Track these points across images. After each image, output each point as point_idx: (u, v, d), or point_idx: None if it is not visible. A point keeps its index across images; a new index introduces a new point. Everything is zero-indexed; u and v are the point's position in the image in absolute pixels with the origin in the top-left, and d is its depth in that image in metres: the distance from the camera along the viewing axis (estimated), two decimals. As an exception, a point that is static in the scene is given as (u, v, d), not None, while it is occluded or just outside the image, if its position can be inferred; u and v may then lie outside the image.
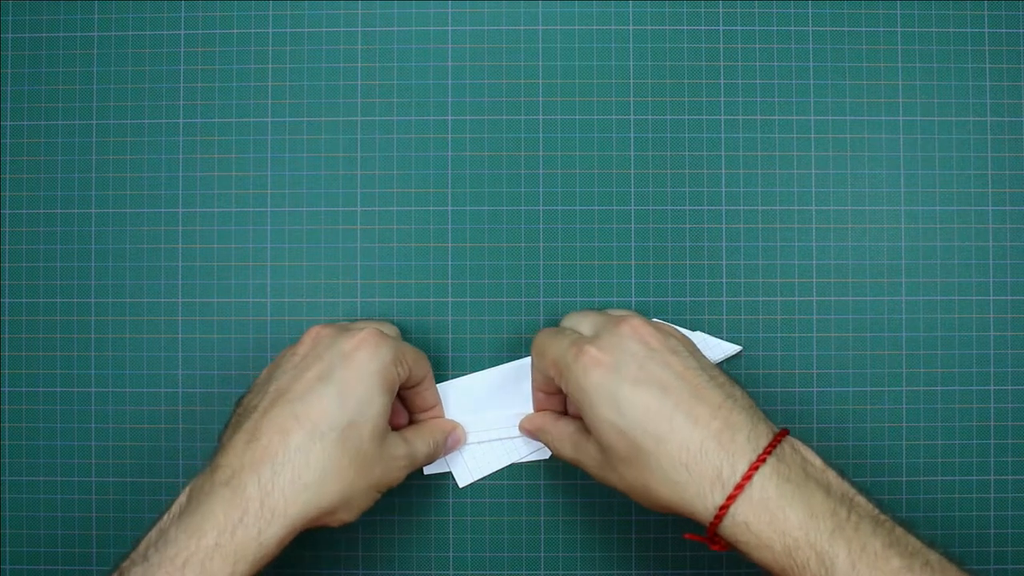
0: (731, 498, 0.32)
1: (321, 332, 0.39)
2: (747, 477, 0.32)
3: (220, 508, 0.33)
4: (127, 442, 0.44)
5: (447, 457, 0.43)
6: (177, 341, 0.44)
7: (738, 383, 0.37)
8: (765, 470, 0.32)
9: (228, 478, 0.34)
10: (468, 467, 0.43)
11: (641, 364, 0.35)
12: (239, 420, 0.36)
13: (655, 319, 0.43)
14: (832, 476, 0.34)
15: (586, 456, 0.38)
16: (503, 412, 0.43)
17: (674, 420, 0.34)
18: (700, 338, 0.43)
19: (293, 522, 0.34)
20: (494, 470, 0.44)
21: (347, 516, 0.36)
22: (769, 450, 0.33)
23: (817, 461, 0.34)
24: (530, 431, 0.43)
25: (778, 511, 0.32)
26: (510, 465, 0.44)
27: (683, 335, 0.39)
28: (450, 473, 0.44)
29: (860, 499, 0.33)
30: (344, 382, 0.36)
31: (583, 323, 0.40)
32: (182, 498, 0.35)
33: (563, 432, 0.40)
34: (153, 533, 0.34)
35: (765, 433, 0.34)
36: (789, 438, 0.35)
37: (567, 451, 0.40)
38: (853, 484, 0.34)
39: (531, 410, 0.43)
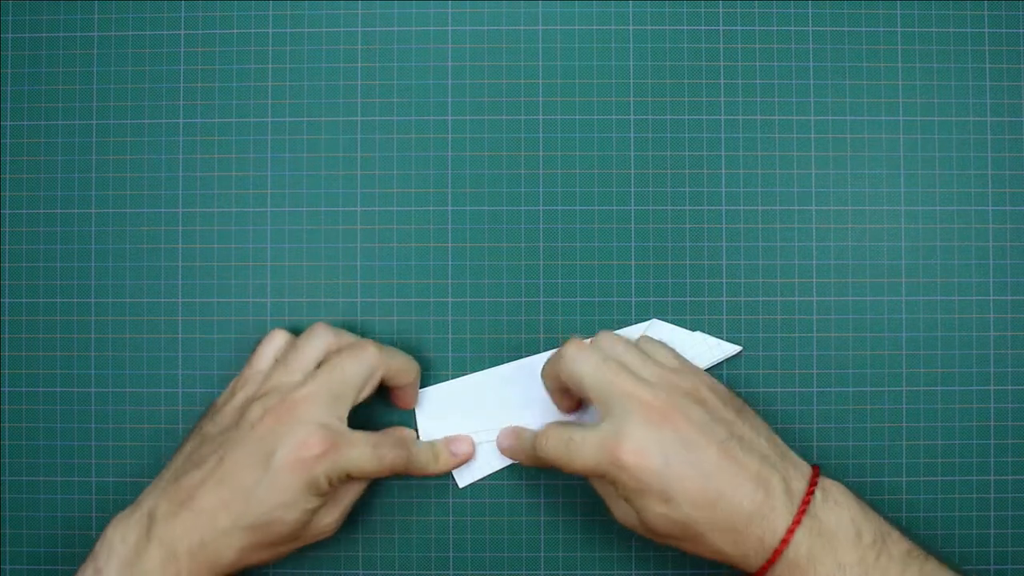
0: (769, 563, 0.35)
1: (254, 402, 0.38)
2: (784, 542, 0.35)
3: (157, 569, 0.36)
4: (127, 442, 0.44)
5: None
6: (177, 341, 0.44)
7: (761, 420, 0.39)
8: (799, 531, 0.35)
9: (161, 541, 0.36)
10: (468, 467, 0.43)
11: (685, 457, 0.36)
12: (184, 466, 0.38)
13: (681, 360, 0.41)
14: (864, 518, 0.36)
15: (613, 506, 0.39)
16: (505, 412, 0.43)
17: (719, 505, 0.35)
18: (700, 338, 0.43)
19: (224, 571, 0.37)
20: (495, 470, 0.44)
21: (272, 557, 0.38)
22: (803, 509, 0.35)
23: (849, 504, 0.36)
24: (536, 459, 0.40)
25: (809, 567, 0.35)
26: (510, 465, 0.44)
27: (708, 380, 0.39)
28: (450, 476, 0.44)
29: (894, 535, 0.36)
30: (267, 488, 0.36)
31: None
32: (115, 540, 0.37)
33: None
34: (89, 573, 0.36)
35: (798, 488, 0.36)
36: (821, 482, 0.36)
37: (592, 453, 0.38)
38: (887, 520, 0.36)
39: (533, 411, 0.43)
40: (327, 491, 0.37)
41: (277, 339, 0.41)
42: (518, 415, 0.43)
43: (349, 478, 0.38)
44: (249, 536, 0.36)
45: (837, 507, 0.36)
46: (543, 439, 0.38)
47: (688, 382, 0.38)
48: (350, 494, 0.39)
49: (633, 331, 0.43)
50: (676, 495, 0.35)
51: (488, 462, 0.44)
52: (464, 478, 0.44)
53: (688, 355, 0.43)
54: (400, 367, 0.41)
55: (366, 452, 0.38)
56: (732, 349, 0.43)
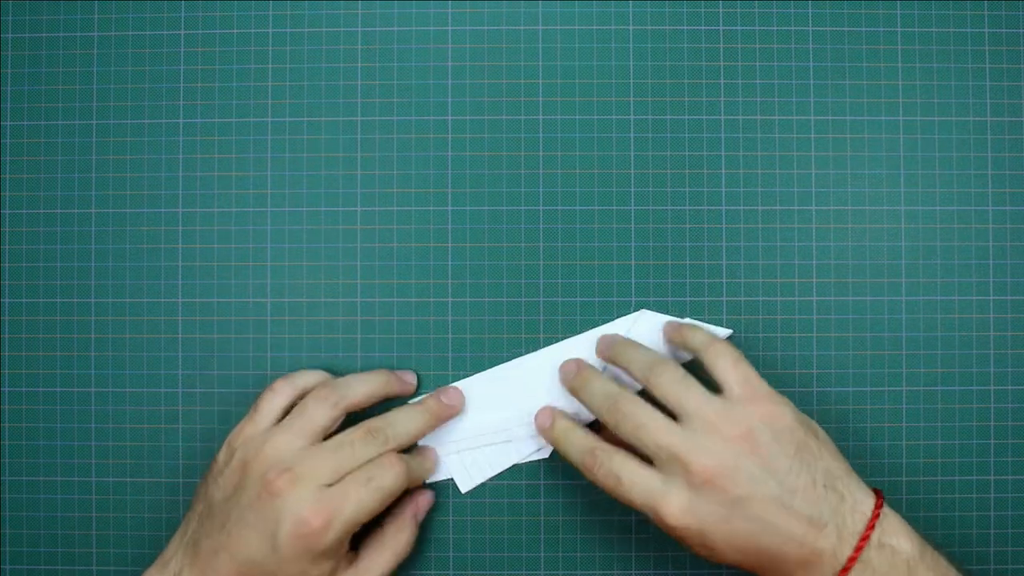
0: None
1: (268, 480, 0.38)
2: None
3: None
4: (127, 442, 0.44)
5: (447, 463, 0.43)
6: (177, 341, 0.44)
7: (825, 449, 0.37)
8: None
9: None
10: (469, 472, 0.43)
11: (728, 517, 0.35)
12: (199, 531, 0.38)
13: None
14: (921, 562, 0.35)
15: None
16: (504, 414, 0.43)
17: (763, 556, 0.35)
18: (689, 324, 0.43)
19: None
20: (496, 472, 0.44)
21: None
22: (855, 556, 0.34)
23: (906, 547, 0.35)
24: (565, 456, 0.40)
25: None
26: (510, 466, 0.44)
27: (768, 413, 0.37)
28: (451, 480, 0.44)
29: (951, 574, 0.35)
30: (277, 562, 0.37)
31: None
32: None
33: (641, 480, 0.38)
34: None
35: (853, 531, 0.35)
36: (880, 522, 0.35)
37: (639, 501, 0.37)
38: (949, 559, 0.36)
39: (535, 408, 0.43)
40: (340, 549, 0.38)
41: (279, 395, 0.40)
42: (519, 415, 0.43)
43: (361, 524, 0.38)
44: None
45: (893, 554, 0.35)
46: (592, 464, 0.38)
47: (743, 423, 0.36)
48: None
49: (623, 323, 0.43)
50: (719, 546, 0.36)
51: (489, 464, 0.43)
52: (465, 483, 0.43)
53: None
54: (420, 475, 0.41)
55: (364, 497, 0.37)
56: (723, 333, 0.43)
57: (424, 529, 0.44)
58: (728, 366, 0.38)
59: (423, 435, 0.42)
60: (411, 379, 0.43)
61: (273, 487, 0.37)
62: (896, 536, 0.35)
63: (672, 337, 0.41)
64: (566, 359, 0.43)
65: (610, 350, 0.41)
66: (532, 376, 0.43)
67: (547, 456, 0.43)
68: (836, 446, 0.38)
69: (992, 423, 0.44)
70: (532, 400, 0.43)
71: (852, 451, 0.44)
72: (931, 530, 0.43)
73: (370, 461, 0.39)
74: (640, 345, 0.41)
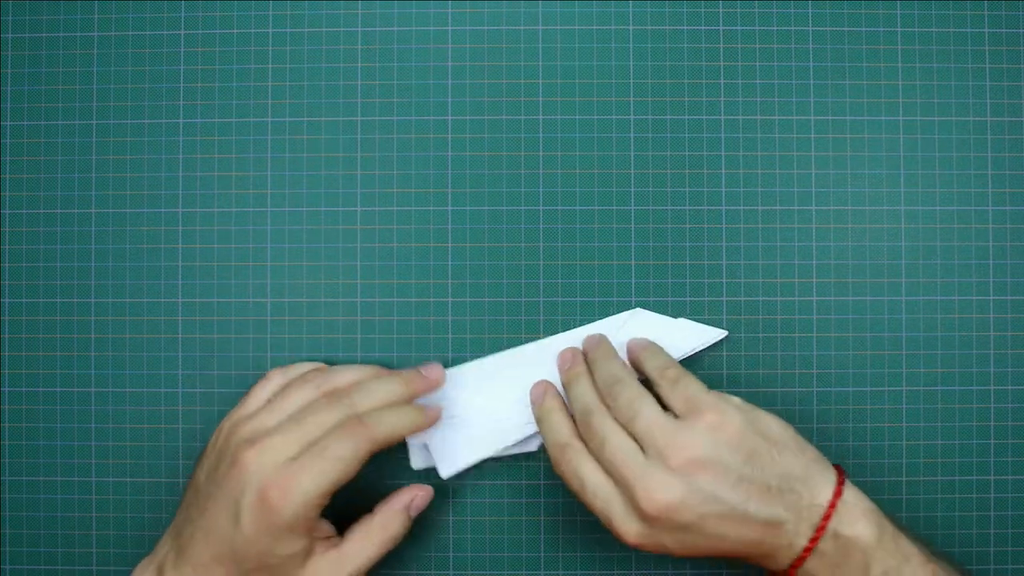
0: (796, 565, 0.36)
1: (234, 446, 0.37)
2: (801, 559, 0.36)
3: None
4: (127, 442, 0.44)
5: (431, 448, 0.42)
6: (177, 341, 0.44)
7: (777, 438, 0.37)
8: (819, 546, 0.36)
9: None
10: (452, 456, 0.42)
11: (683, 539, 0.36)
12: (183, 517, 0.38)
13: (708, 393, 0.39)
14: (879, 547, 0.35)
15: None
16: (494, 400, 0.43)
17: (730, 552, 0.36)
18: (685, 324, 0.43)
19: None
20: (478, 458, 0.42)
21: None
22: (805, 556, 0.36)
23: (863, 532, 0.35)
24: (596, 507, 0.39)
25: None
26: (504, 462, 0.44)
27: (712, 422, 0.37)
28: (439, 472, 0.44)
29: (913, 562, 0.36)
30: (244, 539, 0.36)
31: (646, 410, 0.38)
32: None
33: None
34: None
35: (806, 532, 0.36)
36: (838, 513, 0.36)
37: (598, 511, 0.39)
38: (913, 536, 0.36)
39: (525, 398, 0.43)
40: (306, 526, 0.36)
41: (271, 383, 0.40)
42: (508, 405, 0.43)
43: (333, 495, 0.37)
44: None
45: (848, 546, 0.35)
46: (561, 458, 0.38)
47: (690, 447, 0.36)
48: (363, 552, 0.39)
49: (615, 321, 0.43)
50: (678, 555, 0.37)
51: (473, 450, 0.42)
52: (446, 468, 0.42)
53: (671, 341, 0.43)
54: (391, 433, 0.39)
55: (324, 468, 0.36)
56: (718, 334, 0.43)
57: (424, 529, 0.44)
58: (669, 391, 0.38)
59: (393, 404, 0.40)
60: (436, 374, 0.41)
61: (239, 460, 0.36)
62: (854, 524, 0.35)
63: (631, 359, 0.42)
64: (564, 348, 0.43)
65: (588, 352, 0.42)
66: (526, 365, 0.43)
67: (535, 449, 0.43)
68: (794, 433, 0.37)
69: (992, 423, 0.44)
70: (523, 389, 0.43)
71: (852, 451, 0.44)
72: (931, 530, 0.44)
73: (326, 433, 0.37)
74: (611, 355, 0.41)
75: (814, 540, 0.35)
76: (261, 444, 0.36)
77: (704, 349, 0.44)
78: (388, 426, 0.38)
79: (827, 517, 0.35)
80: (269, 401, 0.39)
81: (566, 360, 0.42)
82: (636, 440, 0.37)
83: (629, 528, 0.36)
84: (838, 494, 0.36)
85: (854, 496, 0.36)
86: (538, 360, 0.43)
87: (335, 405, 0.38)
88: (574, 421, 0.40)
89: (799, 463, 0.36)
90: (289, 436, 0.37)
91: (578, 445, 0.38)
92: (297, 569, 0.37)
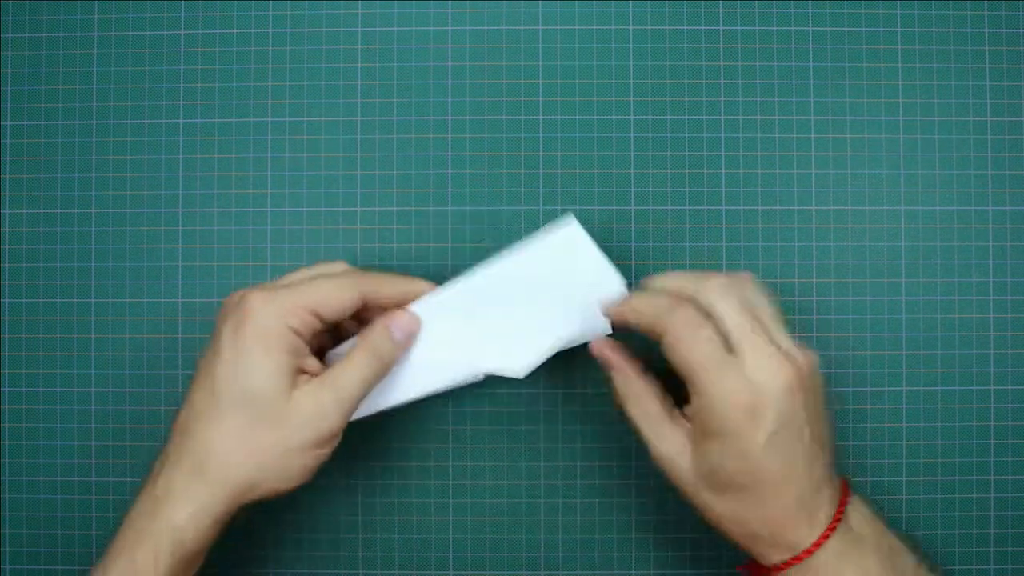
0: (787, 564, 0.35)
1: (224, 306, 0.38)
2: (807, 552, 0.35)
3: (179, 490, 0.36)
4: (127, 442, 0.44)
5: (378, 392, 0.39)
6: (177, 341, 0.44)
7: (830, 426, 0.37)
8: (829, 542, 0.35)
9: (168, 462, 0.36)
10: (404, 390, 0.40)
11: (771, 437, 0.34)
12: (174, 429, 0.37)
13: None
14: (877, 551, 0.36)
15: (659, 438, 0.37)
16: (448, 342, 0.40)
17: (781, 492, 0.35)
18: (603, 276, 0.39)
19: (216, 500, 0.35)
20: (427, 392, 0.40)
21: (280, 486, 0.36)
22: (833, 526, 0.35)
23: (867, 531, 0.36)
24: (606, 358, 0.38)
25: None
26: (505, 462, 0.44)
27: (810, 364, 0.36)
28: (447, 473, 0.44)
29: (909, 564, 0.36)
30: (226, 363, 0.36)
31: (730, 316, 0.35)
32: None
33: (643, 392, 0.38)
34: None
35: (823, 519, 0.35)
36: (848, 513, 0.36)
37: (636, 414, 0.37)
38: (909, 544, 0.37)
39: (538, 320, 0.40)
40: (290, 343, 0.36)
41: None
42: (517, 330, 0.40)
43: (320, 320, 0.36)
44: (242, 425, 0.35)
45: (863, 519, 0.36)
46: (677, 303, 0.36)
47: (791, 371, 0.34)
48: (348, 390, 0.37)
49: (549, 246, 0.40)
50: (729, 468, 0.34)
51: (422, 383, 0.40)
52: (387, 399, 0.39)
53: (564, 291, 0.39)
54: (374, 286, 0.38)
55: (306, 286, 0.36)
56: (602, 326, 0.39)
57: (424, 529, 0.44)
58: (779, 332, 0.36)
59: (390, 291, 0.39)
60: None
61: (229, 304, 0.37)
62: (860, 522, 0.36)
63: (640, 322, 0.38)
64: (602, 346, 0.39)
65: (706, 288, 0.37)
66: (480, 303, 0.40)
67: (480, 378, 0.40)
68: None
69: (992, 423, 0.44)
70: (477, 326, 0.40)
71: (852, 451, 0.44)
72: (931, 530, 0.44)
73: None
74: (684, 275, 0.38)
75: (835, 520, 0.35)
76: (250, 289, 0.37)
77: None
78: (378, 282, 0.38)
79: (843, 504, 0.36)
80: None
81: (604, 347, 0.39)
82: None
83: (732, 376, 0.34)
84: (846, 491, 0.37)
85: (859, 497, 0.37)
86: (491, 295, 0.39)
87: (323, 264, 0.40)
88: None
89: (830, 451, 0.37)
90: (278, 283, 0.38)
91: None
92: (282, 402, 0.35)
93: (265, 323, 0.36)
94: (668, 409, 0.37)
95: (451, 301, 0.39)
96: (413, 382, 0.40)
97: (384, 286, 0.39)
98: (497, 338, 0.40)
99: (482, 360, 0.40)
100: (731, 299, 0.36)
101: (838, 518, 0.35)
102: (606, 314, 0.39)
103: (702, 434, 0.35)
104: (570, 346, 0.40)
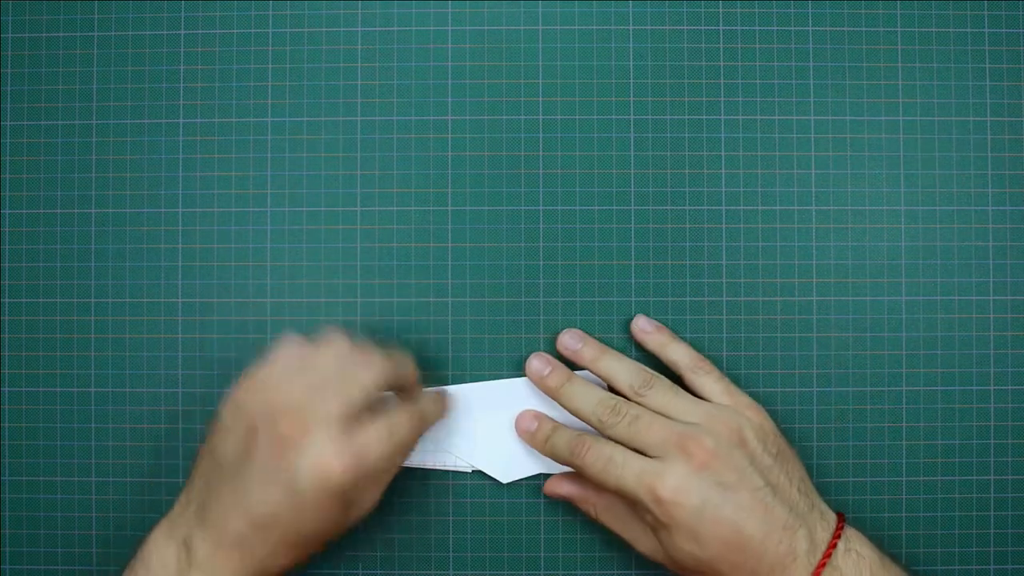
0: None
1: (262, 427, 0.36)
2: None
3: None
4: (127, 442, 0.44)
5: (477, 455, 0.43)
6: (177, 341, 0.44)
7: (797, 463, 0.39)
8: None
9: (202, 569, 0.36)
10: (503, 466, 0.44)
11: (720, 501, 0.36)
12: (208, 491, 0.37)
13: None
14: (882, 567, 0.37)
15: (638, 540, 0.40)
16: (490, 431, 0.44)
17: (746, 551, 0.36)
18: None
19: None
20: (417, 465, 0.44)
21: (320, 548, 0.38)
22: (824, 562, 0.36)
23: (871, 557, 0.37)
24: (561, 495, 0.42)
25: None
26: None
27: (755, 419, 0.39)
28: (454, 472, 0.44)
29: None
30: (296, 512, 0.36)
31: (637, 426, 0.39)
32: (153, 561, 0.37)
33: (611, 505, 0.41)
34: None
35: (822, 539, 0.37)
36: (844, 533, 0.37)
37: (614, 526, 0.41)
38: (906, 570, 0.38)
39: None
40: (357, 494, 0.37)
41: (290, 347, 0.38)
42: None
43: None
44: (289, 552, 0.36)
45: (859, 559, 0.37)
46: (580, 447, 0.39)
47: (734, 422, 0.38)
48: (386, 476, 0.38)
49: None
50: (706, 537, 0.36)
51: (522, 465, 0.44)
52: (504, 475, 0.44)
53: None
54: (405, 374, 0.40)
55: (385, 447, 0.36)
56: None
57: (424, 529, 0.44)
58: (707, 380, 0.41)
59: (416, 379, 0.41)
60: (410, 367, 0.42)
61: (285, 437, 0.35)
62: (859, 545, 0.37)
63: (656, 351, 0.42)
64: (531, 357, 0.43)
65: (584, 356, 0.42)
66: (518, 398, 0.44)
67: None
68: None
69: (992, 423, 0.44)
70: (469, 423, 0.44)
71: (852, 451, 0.44)
72: (931, 530, 0.44)
73: (388, 413, 0.38)
74: (618, 353, 0.42)
75: (828, 553, 0.36)
76: (307, 417, 0.36)
77: (704, 350, 0.44)
78: (434, 415, 0.41)
79: (838, 534, 0.37)
80: (296, 366, 0.38)
81: (543, 366, 0.42)
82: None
83: (670, 478, 0.36)
84: (843, 517, 0.38)
85: (851, 526, 0.38)
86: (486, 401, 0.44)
87: (375, 365, 0.38)
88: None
89: (810, 482, 0.39)
90: (336, 402, 0.36)
91: (591, 435, 0.40)
92: (342, 526, 0.37)
93: (347, 488, 0.36)
94: (635, 509, 0.40)
95: (463, 394, 0.43)
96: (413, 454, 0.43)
97: (403, 367, 0.40)
98: (491, 442, 0.43)
99: (475, 456, 0.44)
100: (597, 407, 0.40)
101: (823, 563, 0.36)
102: (538, 380, 0.42)
103: (654, 530, 0.38)
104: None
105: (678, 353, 0.42)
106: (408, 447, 0.38)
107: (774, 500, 0.37)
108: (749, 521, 0.36)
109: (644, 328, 0.43)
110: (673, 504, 0.36)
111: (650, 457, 0.38)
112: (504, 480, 0.43)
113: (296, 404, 0.36)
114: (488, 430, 0.43)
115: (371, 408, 0.37)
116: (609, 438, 0.39)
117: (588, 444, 0.39)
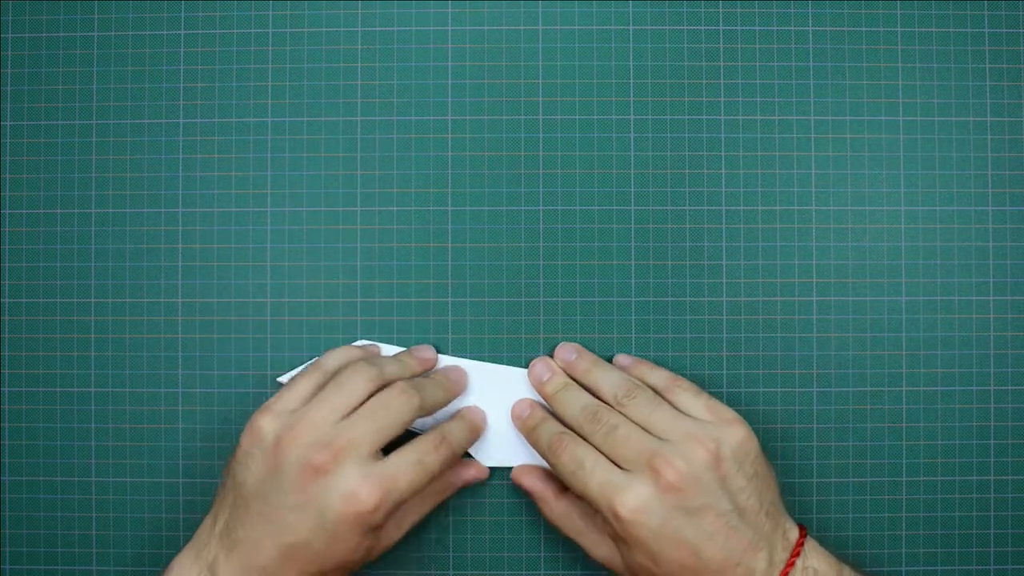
0: None
1: (300, 463, 0.36)
2: None
3: None
4: (127, 442, 0.44)
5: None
6: (177, 341, 0.44)
7: (771, 482, 0.39)
8: None
9: None
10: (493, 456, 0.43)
11: (681, 524, 0.36)
12: (234, 519, 0.37)
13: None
14: None
15: (594, 547, 0.40)
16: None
17: (704, 573, 0.36)
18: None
19: None
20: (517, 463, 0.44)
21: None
22: None
23: (824, 569, 0.37)
24: (525, 488, 0.42)
25: None
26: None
27: (734, 437, 0.38)
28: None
29: None
30: (326, 542, 0.36)
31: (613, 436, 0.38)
32: None
33: (567, 512, 0.41)
34: None
35: (780, 560, 0.37)
36: (803, 552, 0.37)
37: (567, 531, 0.41)
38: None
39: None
40: (385, 525, 0.38)
41: (307, 378, 0.39)
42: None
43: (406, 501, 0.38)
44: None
45: (815, 573, 0.37)
46: (559, 446, 0.39)
47: (712, 441, 0.37)
48: (411, 515, 0.40)
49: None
50: (662, 557, 0.36)
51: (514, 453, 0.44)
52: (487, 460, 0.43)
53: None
54: (439, 402, 0.41)
55: (416, 476, 0.37)
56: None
57: (424, 529, 0.44)
58: (687, 397, 0.40)
59: (445, 404, 0.42)
60: (429, 354, 0.43)
61: (316, 466, 0.36)
62: (817, 561, 0.37)
63: (632, 372, 0.42)
64: (535, 361, 0.43)
65: (576, 365, 0.42)
66: (494, 383, 0.44)
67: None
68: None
69: (992, 423, 0.44)
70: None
71: (852, 451, 0.44)
72: (931, 530, 0.44)
73: (415, 441, 0.38)
74: (608, 364, 0.42)
75: (785, 572, 0.36)
76: (337, 448, 0.36)
77: (704, 350, 0.44)
78: (466, 440, 0.41)
79: (796, 552, 0.37)
80: (320, 394, 0.38)
81: (544, 371, 0.42)
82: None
83: (632, 496, 0.36)
84: (803, 534, 0.38)
85: (813, 541, 0.38)
86: (502, 381, 0.44)
87: (407, 398, 0.38)
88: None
89: (779, 500, 0.39)
90: (366, 433, 0.37)
91: (573, 435, 0.39)
92: (369, 555, 0.38)
93: (377, 518, 0.36)
94: (592, 518, 0.40)
95: (467, 370, 0.43)
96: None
97: (431, 398, 0.40)
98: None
99: None
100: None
101: (792, 562, 0.36)
102: (534, 384, 0.43)
103: (614, 539, 0.38)
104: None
105: (655, 377, 0.41)
106: (436, 475, 0.38)
107: (739, 523, 0.36)
108: (709, 545, 0.36)
109: (623, 363, 0.43)
110: (630, 523, 0.36)
111: (621, 469, 0.37)
112: (485, 463, 0.43)
113: (325, 435, 0.36)
114: (486, 406, 0.43)
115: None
116: (590, 443, 0.39)
117: (565, 444, 0.39)
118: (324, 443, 0.36)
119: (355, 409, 0.37)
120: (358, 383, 0.38)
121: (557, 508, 0.41)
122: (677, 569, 0.36)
